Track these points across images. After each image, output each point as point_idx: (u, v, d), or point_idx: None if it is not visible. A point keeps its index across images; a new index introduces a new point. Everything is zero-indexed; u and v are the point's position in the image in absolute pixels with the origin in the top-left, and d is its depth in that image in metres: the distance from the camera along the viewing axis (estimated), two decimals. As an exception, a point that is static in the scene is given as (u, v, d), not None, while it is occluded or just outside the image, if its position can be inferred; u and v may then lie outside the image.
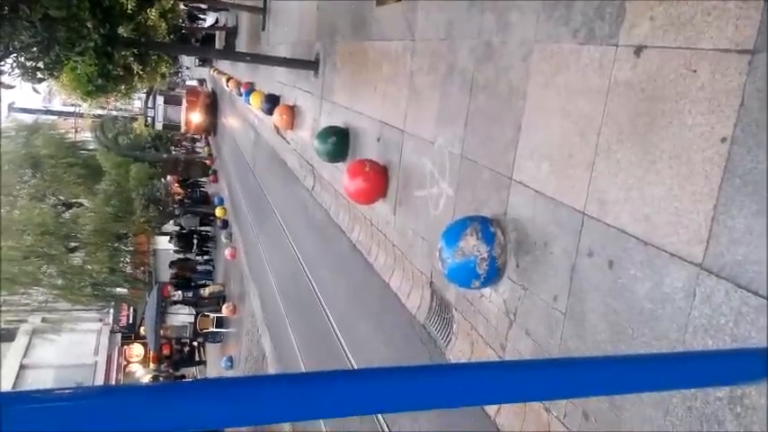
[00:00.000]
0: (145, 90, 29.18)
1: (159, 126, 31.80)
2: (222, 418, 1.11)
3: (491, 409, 4.31)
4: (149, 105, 31.17)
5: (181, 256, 30.42)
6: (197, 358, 23.26)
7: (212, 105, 31.10)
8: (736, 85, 2.42)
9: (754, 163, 2.35)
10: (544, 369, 1.56)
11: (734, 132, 2.43)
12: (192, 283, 25.37)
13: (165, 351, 23.87)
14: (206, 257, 30.33)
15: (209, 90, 35.07)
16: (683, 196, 2.66)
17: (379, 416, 6.33)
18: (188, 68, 48.74)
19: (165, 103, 31.39)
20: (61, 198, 24.99)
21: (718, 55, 2.49)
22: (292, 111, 10.81)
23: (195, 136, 38.82)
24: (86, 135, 33.04)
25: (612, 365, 1.57)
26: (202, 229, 30.34)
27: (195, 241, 30.56)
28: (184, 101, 30.10)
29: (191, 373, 25.73)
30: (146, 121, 31.43)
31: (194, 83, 43.86)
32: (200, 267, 28.95)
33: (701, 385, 2.28)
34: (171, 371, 24.55)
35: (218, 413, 1.08)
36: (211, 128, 32.18)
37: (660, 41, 2.79)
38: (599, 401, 3.21)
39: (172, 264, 28.98)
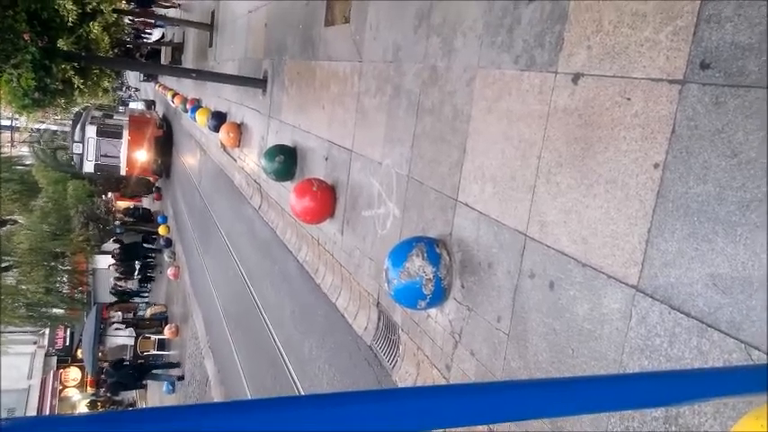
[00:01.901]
0: (71, 116, 24.99)
1: (89, 167, 23.32)
2: None
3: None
4: (76, 138, 22.66)
5: (121, 284, 26.99)
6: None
7: (165, 138, 24.44)
8: (667, 113, 2.52)
9: (686, 188, 2.44)
10: (490, 392, 1.57)
11: (666, 159, 2.53)
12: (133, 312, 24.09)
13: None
14: (146, 284, 27.26)
15: (159, 116, 27.84)
16: (619, 219, 2.74)
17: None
18: (135, 89, 41.55)
19: (98, 134, 22.79)
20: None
21: (651, 84, 2.60)
22: (239, 128, 10.70)
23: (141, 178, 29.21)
24: (23, 150, 31.21)
25: (560, 388, 1.60)
26: (146, 252, 26.87)
27: (138, 266, 26.89)
28: (126, 132, 23.15)
29: (130, 397, 24.84)
30: (71, 158, 24.00)
31: (140, 106, 35.61)
32: (139, 299, 26.40)
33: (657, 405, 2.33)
34: (109, 395, 23.65)
35: None
36: (163, 169, 25.40)
37: (596, 70, 2.89)
38: (541, 423, 3.25)
39: (111, 304, 25.73)
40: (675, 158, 2.49)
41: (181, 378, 18.27)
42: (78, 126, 23.35)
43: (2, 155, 28.05)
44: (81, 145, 23.00)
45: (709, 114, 2.35)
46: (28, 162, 29.54)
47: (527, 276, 3.34)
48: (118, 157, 23.47)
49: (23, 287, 26.12)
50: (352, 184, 5.85)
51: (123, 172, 24.19)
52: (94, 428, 1.01)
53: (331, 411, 1.20)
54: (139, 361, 20.74)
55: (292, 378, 7.40)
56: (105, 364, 21.61)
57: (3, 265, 24.97)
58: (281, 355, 7.89)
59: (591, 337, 2.87)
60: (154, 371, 19.65)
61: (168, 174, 25.65)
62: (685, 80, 2.46)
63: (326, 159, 6.50)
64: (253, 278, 9.93)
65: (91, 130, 22.98)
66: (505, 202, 3.54)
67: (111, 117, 25.02)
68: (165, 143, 24.75)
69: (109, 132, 23.32)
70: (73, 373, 29.37)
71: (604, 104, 2.84)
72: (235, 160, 11.42)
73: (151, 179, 28.66)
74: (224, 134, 10.86)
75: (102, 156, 23.16)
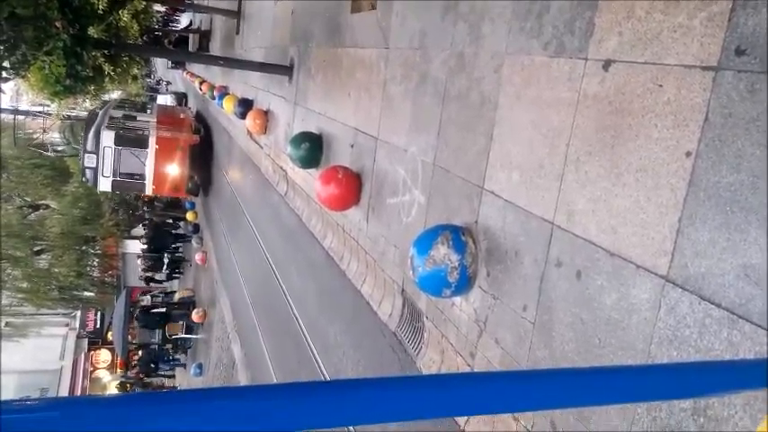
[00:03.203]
0: (97, 105, 21.60)
1: (105, 185, 18.43)
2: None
3: (460, 419, 4.32)
4: (89, 148, 17.87)
5: (149, 275, 25.92)
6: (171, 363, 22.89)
7: (203, 147, 19.41)
8: (700, 101, 2.47)
9: (718, 177, 2.40)
10: (516, 381, 1.57)
11: (698, 147, 2.48)
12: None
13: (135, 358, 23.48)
14: (174, 275, 26.09)
15: (193, 115, 22.64)
16: (649, 209, 2.70)
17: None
18: (167, 82, 36.64)
19: (117, 143, 17.70)
20: (27, 199, 24.47)
21: (684, 71, 2.54)
22: (266, 115, 10.75)
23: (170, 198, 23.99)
24: (55, 136, 31.70)
25: (588, 377, 1.59)
26: (174, 241, 25.53)
27: (166, 259, 25.46)
28: (153, 139, 18.11)
29: (159, 380, 25.35)
30: (82, 174, 18.81)
31: (169, 100, 29.83)
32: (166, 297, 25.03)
33: (684, 396, 2.31)
34: (141, 376, 24.14)
35: (187, 426, 1.06)
36: (199, 187, 20.68)
37: (628, 56, 2.84)
38: (567, 412, 3.24)
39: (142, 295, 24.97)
40: (708, 147, 2.44)
41: (194, 304, 19.19)
42: (92, 131, 17.94)
43: (34, 141, 28.55)
44: (95, 157, 17.82)
45: (744, 102, 2.30)
46: (59, 148, 30.04)
47: (554, 265, 3.32)
48: (142, 174, 18.34)
49: (55, 270, 26.75)
50: (377, 171, 5.85)
51: (149, 191, 19.35)
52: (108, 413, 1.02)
53: (356, 397, 1.21)
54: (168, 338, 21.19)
55: (317, 363, 7.47)
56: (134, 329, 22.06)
57: (35, 248, 25.55)
58: (307, 340, 7.97)
59: (618, 327, 2.84)
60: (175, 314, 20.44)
61: (207, 190, 20.70)
62: (719, 67, 2.40)
63: (352, 147, 6.51)
64: (279, 264, 10.02)
65: (108, 137, 17.70)
66: (533, 190, 3.51)
67: (133, 119, 19.39)
68: (203, 153, 19.55)
69: (131, 140, 18.12)
70: (103, 355, 30.05)
71: (635, 91, 2.79)
72: (261, 147, 11.50)
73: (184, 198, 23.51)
74: (250, 121, 10.93)
75: (121, 171, 18.16)
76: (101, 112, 19.26)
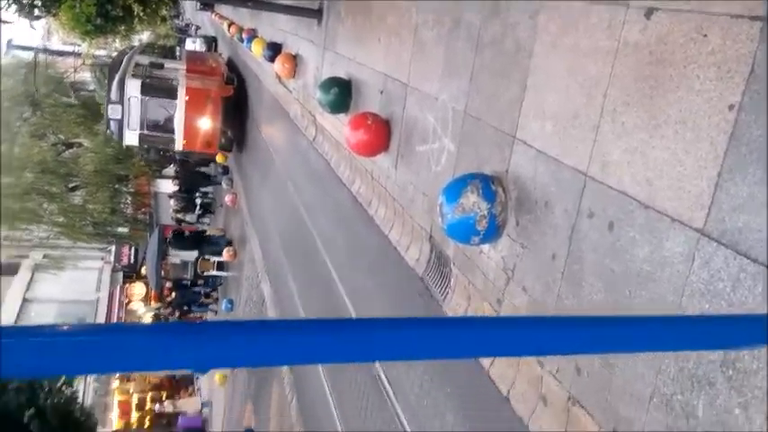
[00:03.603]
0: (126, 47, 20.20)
1: (132, 139, 17.06)
2: (221, 359, 1.14)
3: (485, 361, 4.41)
4: (113, 98, 16.41)
5: (180, 216, 25.75)
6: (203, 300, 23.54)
7: (237, 99, 17.80)
8: (746, 52, 2.39)
9: (761, 131, 2.34)
10: (543, 325, 1.60)
11: (742, 100, 2.41)
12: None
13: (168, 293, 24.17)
14: (205, 217, 25.75)
15: (224, 62, 20.90)
16: (687, 162, 2.66)
17: (376, 363, 6.48)
18: (196, 27, 34.49)
19: (143, 92, 16.27)
20: (61, 137, 24.83)
21: (730, 21, 2.45)
22: (294, 60, 10.63)
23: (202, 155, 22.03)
24: (86, 75, 31.78)
25: (615, 325, 1.61)
26: (205, 183, 25.07)
27: (198, 201, 25.13)
28: (182, 89, 16.53)
29: (192, 316, 26.17)
30: (107, 126, 17.51)
31: (198, 45, 27.30)
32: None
33: (699, 348, 2.33)
34: (173, 309, 24.88)
35: (217, 354, 1.10)
36: (233, 143, 19.00)
37: (672, 4, 2.73)
38: (592, 358, 3.29)
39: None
40: (752, 100, 2.37)
41: (229, 243, 19.60)
42: (116, 80, 16.37)
43: (65, 80, 28.70)
44: (119, 107, 16.28)
45: (794, 54, 2.22)
46: (91, 87, 30.14)
47: (585, 216, 3.31)
48: (171, 128, 16.86)
49: (90, 206, 27.36)
50: (406, 118, 5.80)
51: (179, 147, 17.60)
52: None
53: (383, 334, 1.24)
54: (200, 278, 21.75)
55: (345, 304, 7.64)
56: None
57: (70, 185, 26.09)
58: (335, 282, 8.12)
59: (650, 280, 2.85)
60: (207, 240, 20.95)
61: (241, 146, 18.80)
62: (769, 16, 2.31)
63: (381, 93, 6.44)
64: (308, 208, 10.12)
65: (133, 86, 16.14)
66: (566, 140, 3.46)
67: (160, 66, 17.76)
68: (237, 106, 17.83)
69: (159, 89, 16.55)
70: (138, 288, 30.97)
71: (678, 41, 2.70)
72: (290, 91, 11.43)
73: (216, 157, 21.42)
74: (279, 65, 10.83)
75: (149, 124, 16.68)
76: (125, 59, 17.44)
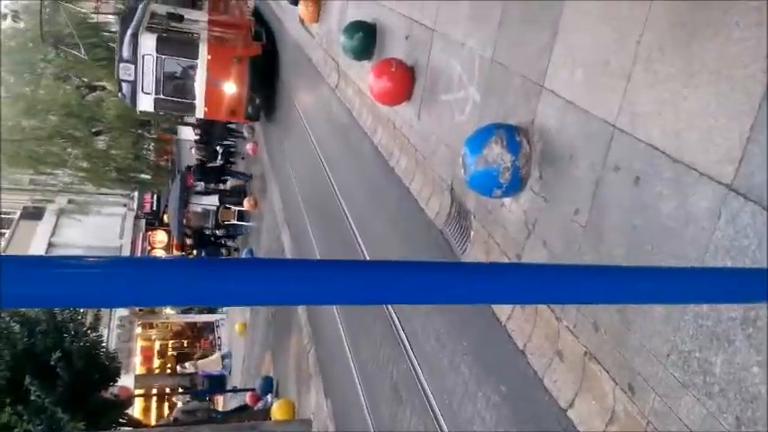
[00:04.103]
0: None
1: (146, 104, 15.12)
2: (228, 296, 1.14)
3: (502, 315, 4.41)
4: (125, 56, 14.31)
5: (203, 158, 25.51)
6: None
7: (266, 58, 15.35)
8: (792, -3, 2.26)
9: (801, 82, 2.23)
10: (559, 273, 1.57)
11: (783, 49, 2.30)
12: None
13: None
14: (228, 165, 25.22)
15: (251, 12, 18.26)
16: (720, 113, 2.56)
17: (392, 312, 6.53)
18: None
19: (160, 50, 14.27)
20: (85, 80, 24.79)
21: (778, -38, 2.31)
22: (319, 2, 10.42)
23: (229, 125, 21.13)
24: (109, 17, 31.45)
25: (631, 275, 1.58)
26: (228, 133, 24.64)
27: (219, 150, 24.78)
28: (204, 47, 14.43)
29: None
30: (119, 89, 15.40)
31: None
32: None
33: (716, 301, 2.29)
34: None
35: (236, 290, 1.10)
36: (259, 109, 16.35)
37: (716, -56, 2.59)
38: (610, 314, 3.26)
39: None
40: (794, 49, 2.26)
41: (249, 177, 19.36)
42: (128, 34, 14.18)
43: (89, 22, 28.47)
44: (132, 67, 14.32)
45: None
46: (113, 29, 29.87)
47: (611, 170, 3.23)
48: (192, 92, 14.90)
49: (113, 152, 27.57)
50: (431, 65, 5.68)
51: (200, 114, 15.82)
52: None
53: (398, 277, 1.22)
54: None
55: (364, 255, 7.66)
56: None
57: (93, 129, 26.22)
58: (354, 233, 8.13)
59: (673, 235, 2.79)
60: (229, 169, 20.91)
61: (270, 113, 16.37)
62: (820, -42, 2.17)
63: (407, 38, 6.30)
64: (328, 157, 10.07)
65: (148, 43, 14.12)
66: (596, 90, 3.35)
67: (179, 18, 15.52)
68: (267, 68, 15.42)
69: (178, 47, 14.49)
70: (160, 236, 31.44)
71: (719, -16, 2.56)
72: (313, 37, 11.25)
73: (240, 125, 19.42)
74: (303, 8, 10.62)
75: (166, 88, 14.68)
76: (139, 8, 15.26)
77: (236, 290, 1.09)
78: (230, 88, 14.90)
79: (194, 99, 15.01)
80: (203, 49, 14.47)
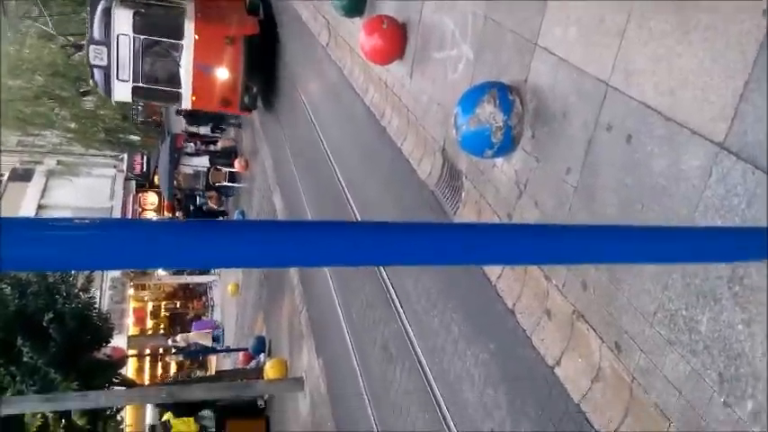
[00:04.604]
0: None
1: (123, 93, 12.90)
2: (228, 258, 1.13)
3: (492, 275, 4.44)
4: (96, 36, 12.24)
5: (193, 129, 24.19)
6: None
7: (264, 39, 13.22)
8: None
9: (797, 38, 2.20)
10: (549, 233, 1.56)
11: (780, 3, 2.26)
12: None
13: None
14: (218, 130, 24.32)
15: None
16: (714, 71, 2.53)
17: (383, 273, 6.57)
18: None
19: (137, 30, 12.13)
20: (71, 39, 24.28)
21: None
22: (309, -42, 10.12)
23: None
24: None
25: (622, 235, 1.58)
26: None
27: None
28: (191, 24, 12.22)
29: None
30: (90, 73, 13.32)
31: None
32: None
33: (706, 260, 2.30)
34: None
35: (225, 254, 1.09)
36: (256, 98, 14.40)
37: None
38: (599, 273, 3.28)
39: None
40: (792, 4, 2.22)
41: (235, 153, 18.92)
42: (99, 11, 12.04)
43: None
44: (104, 50, 12.14)
45: None
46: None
47: (604, 128, 3.21)
48: (176, 79, 12.74)
49: (101, 113, 27.20)
50: (424, 22, 5.58)
51: (186, 105, 13.64)
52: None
53: (390, 238, 1.21)
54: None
55: (355, 216, 7.66)
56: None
57: (81, 89, 25.82)
58: (345, 194, 8.11)
59: (664, 194, 2.78)
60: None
61: (269, 102, 14.52)
62: None
63: (399, -5, 6.17)
64: (319, 117, 9.98)
65: (123, 20, 11.92)
66: (590, 47, 3.31)
67: None
68: (265, 48, 13.40)
69: (159, 25, 12.29)
70: (151, 198, 31.26)
71: (718, -63, 2.50)
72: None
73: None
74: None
75: (146, 74, 12.56)
76: None
77: (229, 252, 1.08)
78: (222, 74, 12.79)
79: (180, 87, 12.87)
80: (190, 28, 12.24)
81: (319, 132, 9.75)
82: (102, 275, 22.76)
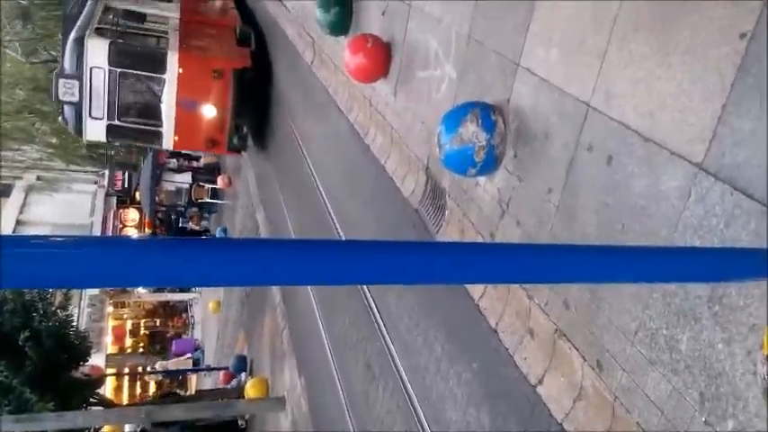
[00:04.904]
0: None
1: (96, 131, 11.65)
2: (210, 277, 1.12)
3: (475, 294, 4.44)
4: (67, 68, 10.95)
5: None
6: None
7: (257, 71, 12.29)
8: (766, -23, 2.27)
9: (770, 63, 2.25)
10: (532, 253, 1.57)
11: (755, 28, 2.31)
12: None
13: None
14: None
15: (235, 11, 14.07)
16: (693, 93, 2.58)
17: (366, 291, 6.54)
18: None
19: (112, 62, 10.91)
20: (53, 54, 24.17)
21: (753, -59, 2.32)
22: (294, -24, 10.15)
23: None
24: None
25: (608, 255, 1.59)
26: None
27: None
28: (174, 57, 11.21)
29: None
30: (60, 110, 11.98)
31: None
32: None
33: (696, 280, 2.31)
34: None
35: (206, 272, 1.08)
36: (245, 138, 13.50)
37: None
38: (581, 292, 3.30)
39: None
40: (765, 28, 2.27)
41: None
42: (71, 39, 10.78)
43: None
44: (76, 84, 10.88)
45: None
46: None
47: (585, 149, 3.24)
48: (157, 118, 11.68)
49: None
50: (408, 41, 5.63)
51: (168, 146, 12.54)
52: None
53: (372, 257, 1.21)
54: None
55: (339, 234, 7.64)
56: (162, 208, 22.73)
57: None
58: (329, 212, 8.10)
59: (644, 214, 2.81)
60: None
61: (261, 141, 13.25)
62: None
63: (383, 14, 6.22)
64: (302, 135, 9.99)
65: (98, 51, 10.74)
66: (571, 68, 3.35)
67: (141, 18, 12.60)
68: (256, 83, 12.36)
69: (137, 56, 11.28)
70: (132, 214, 30.99)
71: (696, -37, 2.56)
72: (289, 11, 11.07)
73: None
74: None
75: (122, 110, 11.41)
76: (89, 3, 11.61)
77: (211, 271, 1.07)
78: (209, 111, 11.75)
79: (160, 126, 11.80)
80: (173, 60, 11.14)
81: (303, 149, 9.76)
82: (81, 293, 22.43)
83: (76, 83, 10.85)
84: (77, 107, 11.15)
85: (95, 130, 11.55)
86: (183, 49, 11.34)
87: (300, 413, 8.79)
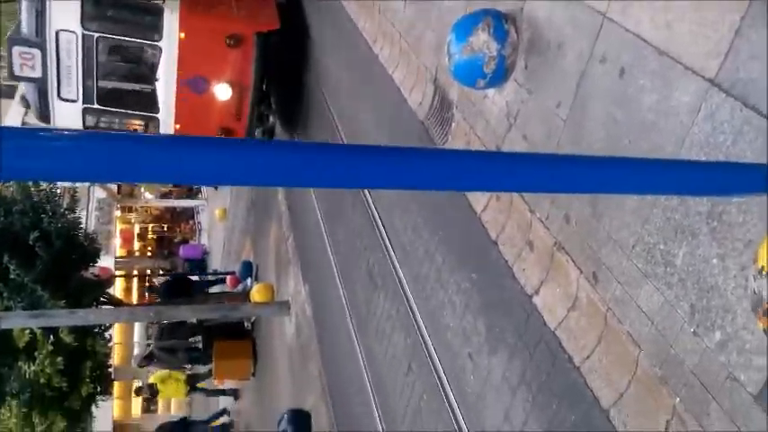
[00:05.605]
0: None
1: (66, 115, 8.38)
2: (219, 176, 1.15)
3: (478, 206, 4.48)
4: (24, 33, 7.83)
5: None
6: None
7: (286, 36, 9.17)
8: None
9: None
10: (536, 162, 1.58)
11: (785, -65, 2.21)
12: None
13: None
14: None
15: None
16: (712, 3, 2.50)
17: (370, 201, 6.60)
18: None
19: (86, 23, 7.76)
20: None
21: None
22: None
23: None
24: None
25: (610, 166, 1.60)
26: None
27: None
28: (173, 15, 7.97)
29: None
30: (25, 102, 9.32)
31: None
32: None
33: (696, 193, 2.33)
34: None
35: (218, 170, 1.10)
36: (273, 127, 10.90)
37: None
38: (582, 206, 3.33)
39: None
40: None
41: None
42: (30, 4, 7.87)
43: None
44: (37, 53, 7.97)
45: None
46: None
47: (597, 61, 3.18)
48: (150, 99, 8.87)
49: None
50: (422, -55, 5.39)
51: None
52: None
53: (375, 161, 1.23)
54: None
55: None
56: None
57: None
58: (335, 123, 8.04)
59: (652, 129, 2.80)
60: None
61: (294, 124, 10.28)
62: None
63: None
64: (312, 42, 9.74)
65: (66, 8, 7.90)
66: (589, -25, 3.23)
67: None
68: (287, 51, 9.63)
69: (121, 18, 8.39)
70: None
71: None
72: None
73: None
74: None
75: (104, 89, 8.61)
76: None
77: (220, 169, 1.10)
78: (222, 92, 8.71)
79: (156, 111, 8.82)
80: (172, 22, 8.13)
81: (310, 57, 9.54)
82: (89, 196, 22.63)
83: (38, 52, 7.95)
84: (40, 85, 8.26)
85: (66, 115, 8.46)
86: (185, 8, 8.19)
87: (304, 317, 9.10)
